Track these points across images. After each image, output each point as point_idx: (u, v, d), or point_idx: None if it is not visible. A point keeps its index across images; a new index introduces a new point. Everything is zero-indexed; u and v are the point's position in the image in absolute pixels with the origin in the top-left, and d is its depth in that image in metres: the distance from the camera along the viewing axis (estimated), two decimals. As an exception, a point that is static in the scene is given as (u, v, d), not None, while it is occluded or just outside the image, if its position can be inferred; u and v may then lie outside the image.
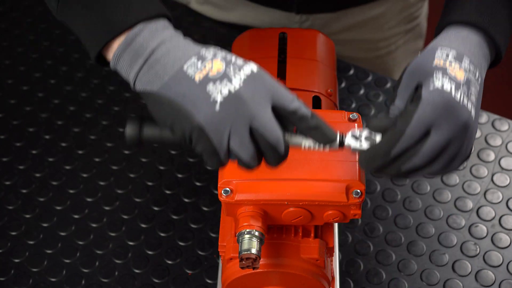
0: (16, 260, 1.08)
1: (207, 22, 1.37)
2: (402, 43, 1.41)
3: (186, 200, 1.14)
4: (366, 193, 1.13)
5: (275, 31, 1.01)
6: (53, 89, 1.30)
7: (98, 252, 1.09)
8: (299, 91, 0.94)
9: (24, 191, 1.16)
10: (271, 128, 0.73)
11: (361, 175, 0.81)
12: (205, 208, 1.13)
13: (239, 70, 0.74)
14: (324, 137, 0.75)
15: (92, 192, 1.15)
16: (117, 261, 1.08)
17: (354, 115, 0.86)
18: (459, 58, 0.78)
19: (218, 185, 0.81)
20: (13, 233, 1.11)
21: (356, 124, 0.84)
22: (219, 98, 0.72)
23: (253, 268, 0.80)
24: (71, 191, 1.16)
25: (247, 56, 0.99)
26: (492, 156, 1.18)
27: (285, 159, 0.76)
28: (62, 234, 1.11)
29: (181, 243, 1.10)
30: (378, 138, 0.76)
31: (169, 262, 1.08)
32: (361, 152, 0.76)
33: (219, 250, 0.89)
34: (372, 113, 1.24)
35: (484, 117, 1.22)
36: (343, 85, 1.28)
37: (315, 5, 1.28)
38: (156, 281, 1.06)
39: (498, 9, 0.82)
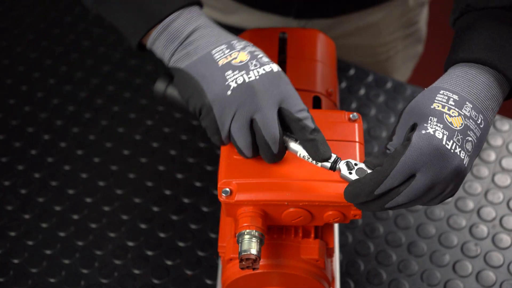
0: (16, 261, 1.08)
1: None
2: (401, 48, 1.40)
3: (186, 200, 1.14)
4: (367, 194, 1.12)
5: (275, 31, 1.01)
6: (53, 89, 1.29)
7: (98, 252, 1.09)
8: (299, 91, 0.94)
9: (23, 191, 1.16)
10: (270, 125, 0.78)
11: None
12: (205, 209, 1.13)
13: (260, 66, 0.80)
14: (316, 153, 0.78)
15: (92, 192, 1.15)
16: (117, 262, 1.08)
17: (355, 115, 0.86)
18: (460, 104, 0.77)
19: (218, 186, 0.81)
20: (13, 234, 1.11)
21: (358, 151, 0.83)
22: (233, 84, 0.78)
23: (253, 269, 0.80)
24: (71, 192, 1.15)
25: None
26: (493, 156, 1.18)
27: (279, 159, 0.80)
28: (62, 234, 1.11)
29: (181, 244, 1.09)
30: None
31: (169, 262, 1.07)
32: (347, 185, 0.77)
33: (219, 250, 0.89)
34: (372, 113, 1.23)
35: (485, 117, 1.22)
36: (343, 85, 1.27)
37: (313, 10, 1.27)
38: (156, 281, 1.06)
39: (509, 41, 0.80)
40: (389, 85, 1.27)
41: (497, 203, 1.12)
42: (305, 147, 0.79)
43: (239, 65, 0.80)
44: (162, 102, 1.24)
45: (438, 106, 0.77)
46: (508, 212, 1.11)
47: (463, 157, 0.75)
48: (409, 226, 1.10)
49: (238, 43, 0.82)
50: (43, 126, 1.24)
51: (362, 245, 1.09)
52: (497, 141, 1.19)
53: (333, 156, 0.78)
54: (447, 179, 0.75)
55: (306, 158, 0.79)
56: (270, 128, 0.78)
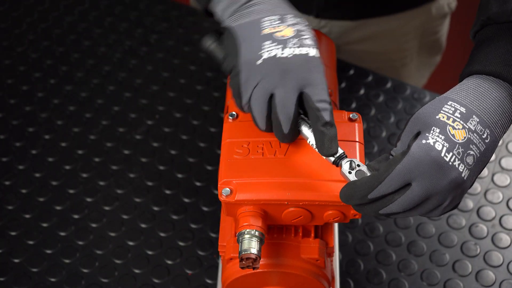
0: (16, 260, 1.08)
1: (207, 22, 1.37)
2: (417, 56, 1.40)
3: (186, 200, 1.14)
4: (366, 193, 1.12)
5: (275, 31, 1.01)
6: (53, 89, 1.30)
7: (98, 252, 1.09)
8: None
9: (24, 191, 1.16)
10: (286, 105, 0.79)
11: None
12: (205, 208, 1.13)
13: (299, 46, 0.81)
14: (321, 146, 0.79)
15: (92, 192, 1.15)
16: (117, 261, 1.08)
17: (354, 115, 0.86)
18: (466, 117, 0.76)
19: (218, 185, 0.81)
20: (13, 233, 1.11)
21: (358, 150, 0.83)
22: (265, 55, 0.80)
23: (253, 268, 0.80)
24: (71, 191, 1.16)
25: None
26: (492, 156, 1.17)
27: (289, 140, 0.81)
28: (62, 234, 1.11)
29: (181, 243, 1.09)
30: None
31: (169, 262, 1.08)
32: (344, 186, 0.77)
33: (219, 250, 0.89)
34: (372, 113, 1.24)
35: (485, 117, 1.22)
36: (343, 85, 1.28)
37: (335, 11, 1.27)
38: (156, 281, 1.06)
39: None
40: (389, 85, 1.28)
41: (497, 203, 1.12)
42: (314, 137, 0.79)
43: (279, 39, 0.80)
44: (162, 102, 1.24)
45: (443, 117, 0.76)
46: (507, 211, 1.11)
47: (461, 170, 0.74)
48: (409, 226, 1.10)
49: (292, 19, 0.83)
50: (43, 126, 1.24)
51: (362, 244, 1.09)
52: (497, 141, 1.19)
53: (340, 152, 0.79)
54: (444, 191, 0.74)
55: (314, 147, 0.80)
56: (286, 107, 0.79)
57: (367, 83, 1.28)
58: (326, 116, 0.79)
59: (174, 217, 1.12)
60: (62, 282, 1.06)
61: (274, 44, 0.80)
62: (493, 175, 1.15)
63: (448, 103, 0.77)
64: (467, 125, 0.76)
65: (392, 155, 0.78)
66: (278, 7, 0.84)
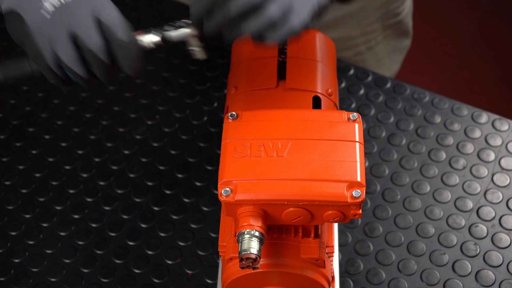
0: (16, 260, 1.09)
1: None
2: (382, 39, 1.40)
3: (186, 200, 1.14)
4: (366, 193, 1.13)
5: (275, 31, 1.01)
6: (53, 89, 1.30)
7: (98, 252, 1.09)
8: (299, 91, 0.94)
9: (24, 191, 1.16)
10: (92, 36, 0.81)
11: (362, 175, 0.81)
12: (205, 208, 1.13)
13: None
14: (128, 66, 0.83)
15: (92, 192, 1.15)
16: (117, 261, 1.08)
17: (354, 115, 0.86)
18: None
19: (218, 185, 0.81)
20: (13, 233, 1.11)
21: (358, 151, 0.83)
22: (50, 8, 0.82)
23: (253, 268, 0.80)
24: (71, 191, 1.16)
25: (247, 56, 0.99)
26: (492, 156, 1.18)
27: (113, 73, 0.84)
28: (62, 234, 1.11)
29: (181, 243, 1.10)
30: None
31: (169, 262, 1.08)
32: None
33: (219, 250, 0.89)
34: (372, 113, 1.24)
35: (484, 117, 1.22)
36: (343, 85, 1.28)
37: None
38: (156, 281, 1.06)
39: None
40: (388, 85, 1.28)
41: (496, 203, 1.13)
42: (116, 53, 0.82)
43: None
44: (162, 102, 1.25)
45: None
46: (507, 211, 1.12)
47: None
48: (409, 226, 1.10)
49: None
50: (43, 126, 1.24)
51: (361, 244, 1.09)
52: (497, 141, 1.20)
53: (145, 35, 0.85)
54: None
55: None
56: (92, 38, 0.81)
57: (366, 83, 1.28)
58: (132, 36, 0.82)
59: (174, 217, 1.12)
60: (62, 282, 1.06)
61: None
62: (493, 175, 1.16)
63: None
64: None
65: None
66: None
